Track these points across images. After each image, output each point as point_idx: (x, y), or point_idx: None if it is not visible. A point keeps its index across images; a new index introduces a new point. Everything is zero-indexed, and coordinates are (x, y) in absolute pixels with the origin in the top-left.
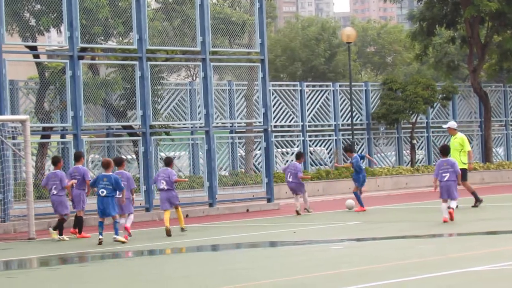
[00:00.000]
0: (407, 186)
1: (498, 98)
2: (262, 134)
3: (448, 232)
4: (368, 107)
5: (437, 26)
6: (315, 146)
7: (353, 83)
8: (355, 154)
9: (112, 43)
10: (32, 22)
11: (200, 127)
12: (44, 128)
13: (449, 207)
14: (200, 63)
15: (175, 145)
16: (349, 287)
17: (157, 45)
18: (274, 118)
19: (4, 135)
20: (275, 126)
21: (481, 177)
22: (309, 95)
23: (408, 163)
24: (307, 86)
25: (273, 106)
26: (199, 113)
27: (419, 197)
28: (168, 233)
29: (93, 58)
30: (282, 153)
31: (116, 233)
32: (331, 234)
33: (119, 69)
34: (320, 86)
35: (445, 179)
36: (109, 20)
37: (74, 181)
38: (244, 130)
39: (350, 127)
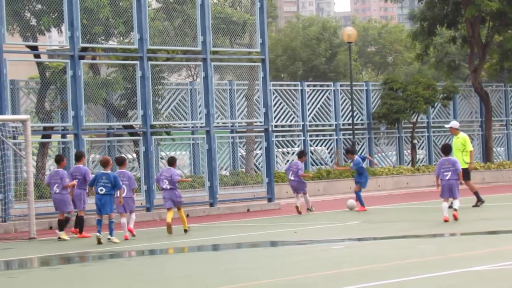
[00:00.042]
0: (408, 186)
1: (499, 97)
2: (263, 134)
3: (449, 231)
4: (368, 106)
5: (438, 25)
6: (316, 146)
7: (354, 83)
8: (356, 156)
9: (113, 43)
10: (33, 22)
11: (200, 127)
12: (45, 128)
13: (450, 206)
14: (201, 63)
15: (175, 145)
16: (350, 286)
17: (158, 45)
18: (274, 118)
19: (5, 135)
20: (275, 126)
21: (481, 177)
22: (310, 94)
23: (409, 163)
24: (308, 85)
25: (274, 106)
26: (199, 113)
27: (419, 197)
28: (169, 228)
29: (94, 58)
30: (283, 153)
31: (111, 234)
32: (332, 233)
33: (120, 68)
34: (321, 85)
35: (447, 178)
36: (110, 19)
37: (75, 182)
38: (244, 130)
39: (350, 127)
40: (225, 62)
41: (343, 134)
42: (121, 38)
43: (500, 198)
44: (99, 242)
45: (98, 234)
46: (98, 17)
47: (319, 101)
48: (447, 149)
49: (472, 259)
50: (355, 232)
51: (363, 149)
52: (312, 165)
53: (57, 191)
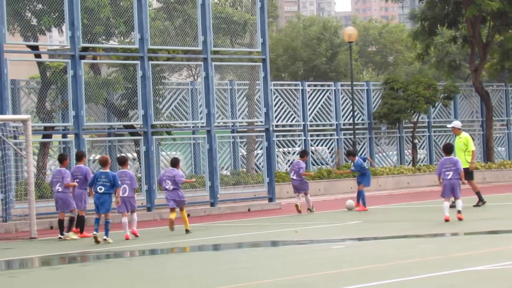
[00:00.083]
0: (409, 186)
1: (499, 97)
2: (264, 134)
3: (450, 231)
4: (369, 106)
5: (438, 25)
6: (317, 145)
7: (354, 83)
8: (357, 158)
9: (113, 43)
10: (34, 21)
11: (201, 126)
12: (45, 128)
13: (451, 206)
14: (202, 63)
15: (176, 145)
16: (350, 286)
17: (158, 45)
18: (275, 118)
19: (5, 135)
20: (276, 126)
21: (482, 177)
22: (311, 94)
23: (410, 163)
24: (309, 85)
25: (275, 106)
26: (200, 113)
27: (420, 197)
28: (171, 224)
29: (94, 58)
30: (284, 153)
31: (106, 234)
32: (333, 233)
33: (121, 68)
34: (322, 85)
35: (449, 177)
36: (110, 19)
37: (76, 184)
38: (245, 129)
39: (351, 127)
40: (226, 62)
41: (344, 134)
42: (122, 38)
43: (501, 198)
44: (96, 241)
45: (95, 233)
46: (98, 17)
47: (320, 101)
48: (448, 149)
49: (473, 259)
50: (355, 232)
51: (364, 149)
52: (313, 164)
53: (60, 190)
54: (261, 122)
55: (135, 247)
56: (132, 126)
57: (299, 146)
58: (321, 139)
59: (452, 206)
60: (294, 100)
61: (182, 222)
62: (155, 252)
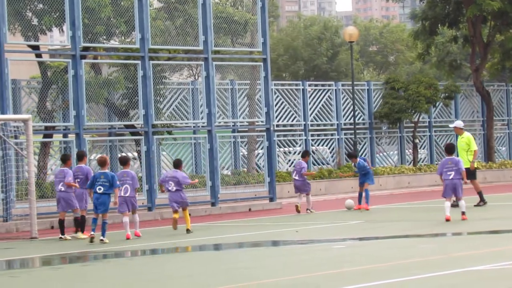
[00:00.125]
0: (410, 185)
1: (500, 97)
2: (265, 133)
3: (451, 231)
4: (370, 106)
5: (439, 25)
6: (318, 145)
7: (355, 82)
8: (358, 159)
9: (114, 43)
10: (35, 21)
11: (202, 126)
12: (46, 128)
13: (453, 205)
14: (203, 62)
15: (177, 144)
16: (351, 286)
17: (159, 45)
18: (276, 117)
19: (6, 135)
20: (277, 125)
21: (483, 176)
22: (311, 94)
23: (411, 162)
24: (309, 85)
25: (275, 105)
26: (201, 112)
27: (421, 196)
28: (175, 223)
29: (95, 58)
30: (285, 153)
31: (103, 234)
32: (333, 233)
33: (122, 68)
34: (323, 85)
35: (450, 177)
36: (111, 19)
37: (77, 185)
38: (246, 129)
39: (352, 127)
40: (227, 62)
41: (345, 134)
42: (123, 38)
43: (502, 198)
44: (91, 241)
45: (92, 233)
46: (99, 17)
47: (321, 100)
48: (450, 149)
49: (473, 258)
50: (356, 231)
51: (365, 149)
52: (314, 164)
53: (62, 189)
54: (262, 121)
55: (135, 247)
56: (133, 126)
57: (300, 146)
58: (322, 139)
59: (453, 205)
60: (295, 100)
61: (184, 223)
62: (155, 252)
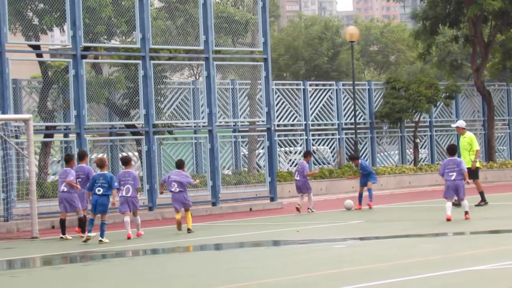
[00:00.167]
0: (410, 185)
1: (501, 97)
2: (265, 133)
3: (452, 231)
4: (371, 106)
5: (440, 25)
6: (318, 145)
7: (356, 82)
8: (360, 160)
9: (115, 42)
10: (35, 21)
11: (203, 126)
12: (47, 127)
13: (454, 204)
14: (203, 62)
15: (178, 144)
16: (351, 286)
17: (160, 44)
18: (277, 117)
19: (7, 134)
20: (278, 125)
21: (484, 176)
22: (312, 94)
23: (411, 162)
24: (310, 85)
25: (276, 105)
26: (202, 112)
27: (422, 196)
28: (179, 225)
29: (96, 57)
30: (285, 152)
31: (102, 235)
32: (334, 233)
33: (122, 68)
34: (323, 85)
35: (452, 178)
36: (112, 19)
37: (78, 186)
38: (247, 129)
39: (353, 126)
40: (228, 62)
41: (346, 134)
42: (124, 38)
43: (503, 197)
44: (85, 241)
45: (88, 233)
46: (100, 16)
47: (322, 100)
48: (452, 150)
49: (474, 258)
50: (357, 231)
51: (366, 149)
52: (315, 164)
53: (65, 190)
54: (262, 121)
55: (137, 247)
56: (133, 126)
57: (300, 145)
58: (323, 139)
59: (455, 204)
60: (295, 99)
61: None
62: (157, 252)
